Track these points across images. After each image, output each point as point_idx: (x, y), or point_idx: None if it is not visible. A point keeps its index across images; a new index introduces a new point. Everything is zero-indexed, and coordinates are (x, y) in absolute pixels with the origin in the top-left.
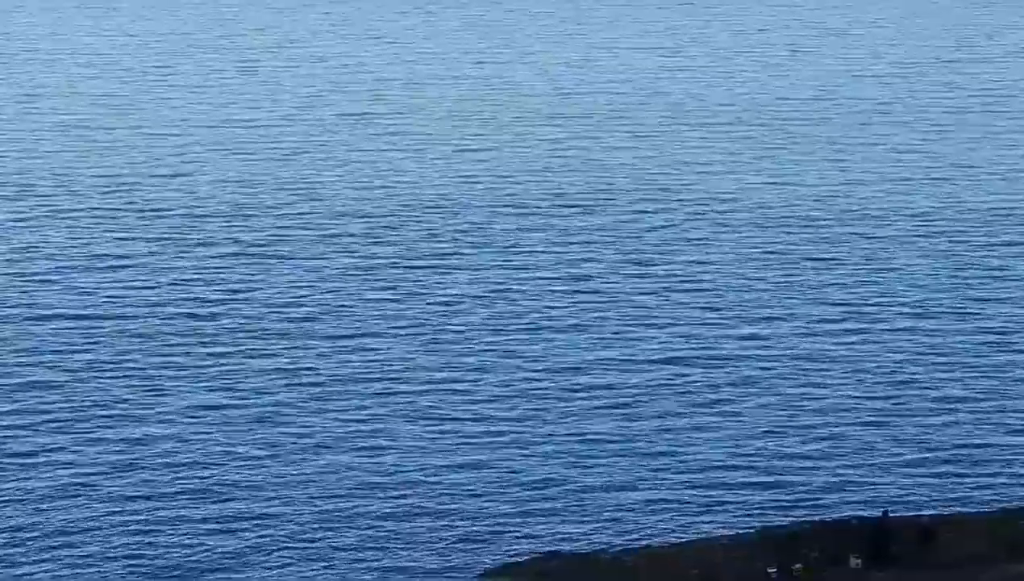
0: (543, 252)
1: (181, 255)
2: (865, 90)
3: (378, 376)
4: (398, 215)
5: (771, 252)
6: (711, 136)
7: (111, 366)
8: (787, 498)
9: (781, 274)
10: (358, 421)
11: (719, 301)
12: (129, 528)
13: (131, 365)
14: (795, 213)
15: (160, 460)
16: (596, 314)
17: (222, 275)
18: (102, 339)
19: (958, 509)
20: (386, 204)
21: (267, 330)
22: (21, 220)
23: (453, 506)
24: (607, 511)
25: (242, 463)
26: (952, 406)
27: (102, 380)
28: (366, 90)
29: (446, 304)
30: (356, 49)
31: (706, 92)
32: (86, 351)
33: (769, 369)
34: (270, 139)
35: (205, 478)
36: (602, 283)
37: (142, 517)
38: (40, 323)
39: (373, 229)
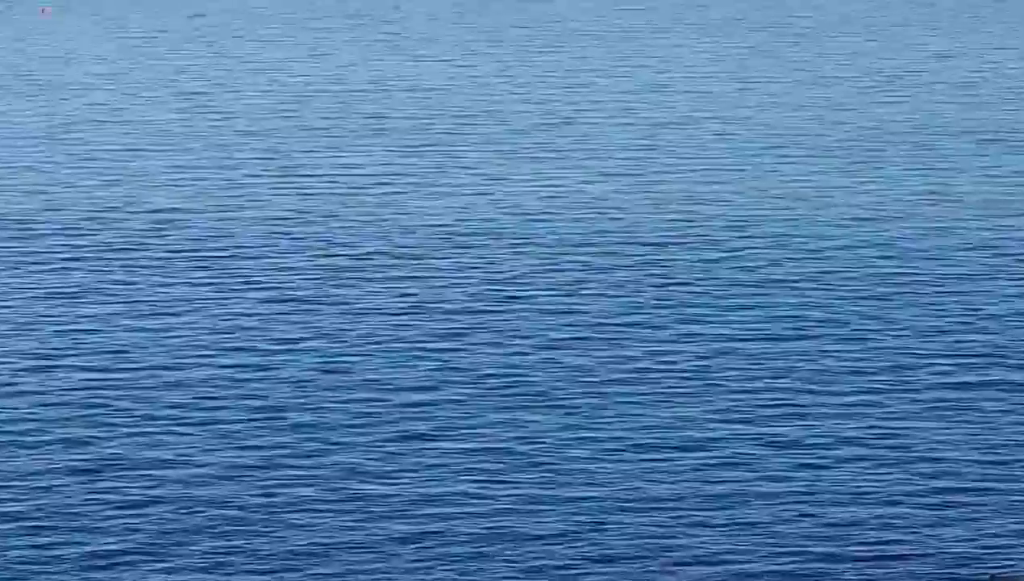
0: (590, 274)
1: (221, 289)
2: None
3: (404, 396)
4: (439, 247)
5: (837, 280)
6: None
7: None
8: (877, 558)
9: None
10: (387, 441)
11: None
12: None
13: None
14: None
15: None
16: (651, 344)
17: (262, 307)
18: (130, 374)
19: None
20: (427, 232)
21: (298, 350)
22: (48, 256)
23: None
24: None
25: (265, 484)
26: None
27: (127, 415)
28: (406, 107)
29: (476, 320)
30: (392, 65)
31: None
32: (113, 386)
33: (854, 412)
34: (311, 163)
35: (219, 493)
36: (662, 312)
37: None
38: (71, 358)
39: (405, 259)
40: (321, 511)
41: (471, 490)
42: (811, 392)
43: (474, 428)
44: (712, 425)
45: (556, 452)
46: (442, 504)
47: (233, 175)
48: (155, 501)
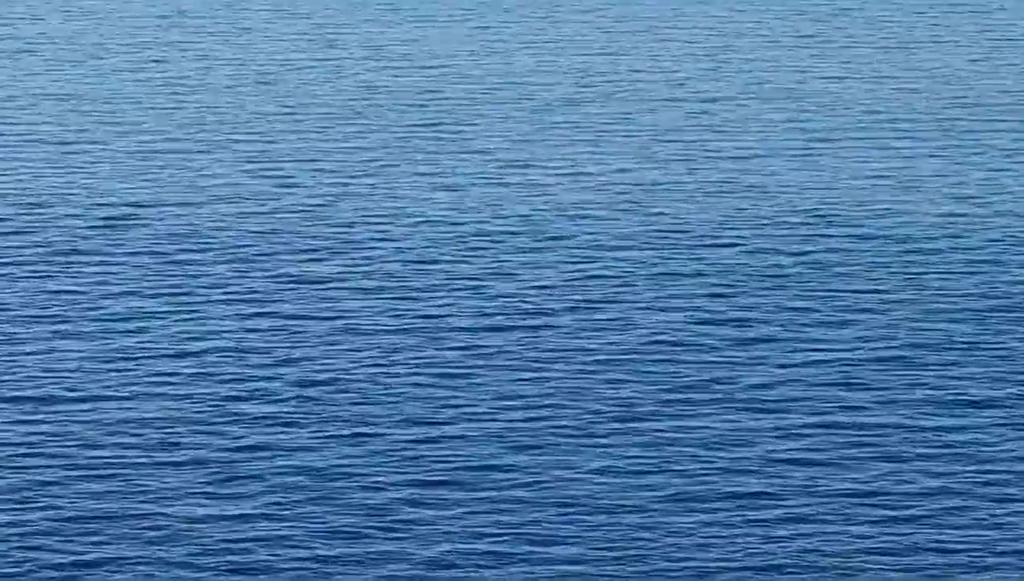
0: (631, 284)
1: (184, 302)
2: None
3: (407, 433)
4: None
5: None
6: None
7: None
8: None
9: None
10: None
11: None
12: None
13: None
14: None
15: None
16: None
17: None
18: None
19: None
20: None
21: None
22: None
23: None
24: None
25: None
26: None
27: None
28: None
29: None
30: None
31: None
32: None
33: (958, 453)
34: (290, 149)
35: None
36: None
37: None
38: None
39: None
40: (308, 577)
41: (491, 549)
42: (903, 429)
43: (492, 471)
44: (782, 469)
45: (594, 501)
46: (459, 567)
47: (197, 162)
48: (97, 563)
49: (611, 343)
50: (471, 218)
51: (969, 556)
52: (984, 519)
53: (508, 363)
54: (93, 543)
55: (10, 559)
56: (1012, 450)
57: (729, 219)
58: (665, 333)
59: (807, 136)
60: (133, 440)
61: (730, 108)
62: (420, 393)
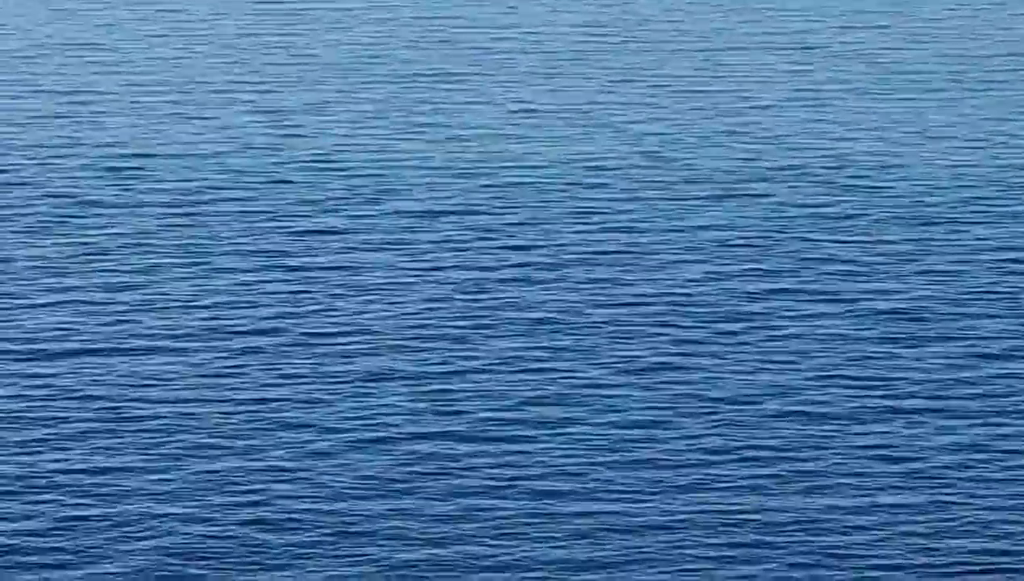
0: (645, 247)
1: (187, 254)
2: None
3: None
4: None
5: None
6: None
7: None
8: None
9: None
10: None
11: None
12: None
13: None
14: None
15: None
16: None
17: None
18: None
19: None
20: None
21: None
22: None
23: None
24: None
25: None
26: None
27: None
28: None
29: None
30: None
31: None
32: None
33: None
34: (291, 102)
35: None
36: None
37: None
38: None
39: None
40: (324, 530)
41: (497, 504)
42: (915, 382)
43: (501, 426)
44: (791, 424)
45: (600, 455)
46: (473, 521)
47: (206, 112)
48: (107, 517)
49: (621, 295)
50: (479, 169)
51: (979, 510)
52: (996, 473)
53: (517, 316)
54: (101, 497)
55: (17, 512)
56: None
57: (738, 169)
58: (675, 284)
59: (817, 86)
60: (143, 394)
61: (740, 58)
62: (430, 346)
